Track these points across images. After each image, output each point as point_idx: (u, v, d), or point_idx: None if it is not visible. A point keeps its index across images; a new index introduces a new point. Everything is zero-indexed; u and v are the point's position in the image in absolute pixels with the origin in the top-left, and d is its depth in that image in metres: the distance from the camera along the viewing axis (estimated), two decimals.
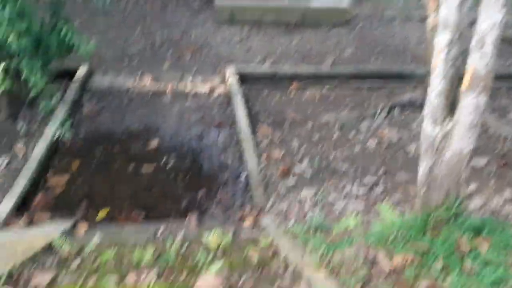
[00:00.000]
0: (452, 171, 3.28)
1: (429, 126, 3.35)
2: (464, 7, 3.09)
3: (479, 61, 2.97)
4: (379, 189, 5.00)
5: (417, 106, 7.14)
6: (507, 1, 2.84)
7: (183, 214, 4.89)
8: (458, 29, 3.12)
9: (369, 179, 5.20)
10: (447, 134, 3.21)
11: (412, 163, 5.69)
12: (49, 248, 3.79)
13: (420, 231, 3.20)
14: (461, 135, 3.14)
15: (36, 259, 3.42)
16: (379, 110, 7.06)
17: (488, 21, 2.87)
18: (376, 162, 5.71)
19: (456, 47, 3.17)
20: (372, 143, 6.16)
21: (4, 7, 5.00)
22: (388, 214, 3.71)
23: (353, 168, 5.52)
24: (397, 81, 8.15)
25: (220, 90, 7.72)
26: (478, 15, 2.97)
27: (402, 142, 6.23)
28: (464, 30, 3.18)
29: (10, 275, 2.94)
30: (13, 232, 4.16)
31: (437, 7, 3.74)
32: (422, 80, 6.93)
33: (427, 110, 3.40)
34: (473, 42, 3.00)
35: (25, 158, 5.50)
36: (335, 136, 6.36)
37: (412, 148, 6.04)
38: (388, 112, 7.09)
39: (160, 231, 4.49)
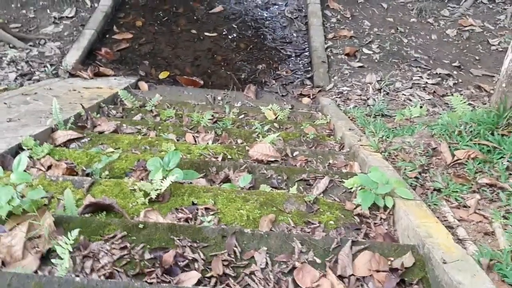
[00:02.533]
0: None
1: None
2: None
3: None
4: (450, 82, 4.68)
5: None
6: None
7: (243, 84, 4.87)
8: None
9: (441, 70, 4.85)
10: None
11: (492, 58, 5.24)
12: (113, 100, 3.94)
13: (490, 128, 2.99)
14: None
15: (101, 108, 3.57)
16: None
17: None
18: (452, 53, 5.28)
19: None
20: (451, 32, 5.64)
21: None
22: (459, 106, 3.48)
23: (426, 56, 5.14)
24: None
25: None
26: None
27: (485, 34, 5.66)
28: None
29: (77, 118, 3.09)
30: (80, 81, 4.32)
31: None
32: None
33: None
34: None
35: (92, 9, 5.50)
36: (411, 20, 5.85)
37: (495, 41, 5.50)
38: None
39: (219, 98, 4.53)
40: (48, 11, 5.38)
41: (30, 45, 4.78)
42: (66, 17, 5.33)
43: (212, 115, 3.66)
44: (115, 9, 5.72)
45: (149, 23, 5.64)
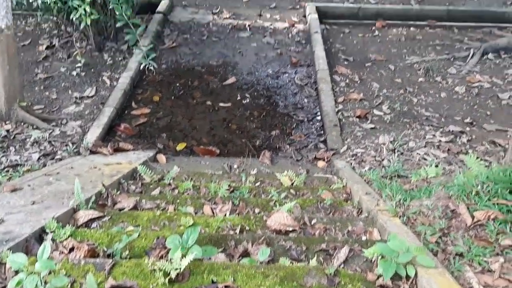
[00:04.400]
0: None
1: None
2: None
3: None
4: (464, 139, 4.70)
5: None
6: None
7: (258, 151, 4.96)
8: None
9: (453, 127, 4.89)
10: None
11: (503, 113, 5.27)
12: (132, 175, 4.03)
13: (508, 187, 2.97)
14: None
15: (121, 185, 3.66)
16: (471, 54, 6.51)
17: None
18: (463, 110, 5.34)
19: None
20: (460, 89, 5.74)
21: None
22: (474, 165, 3.48)
23: (437, 114, 5.21)
24: (494, 23, 7.43)
25: (299, 26, 7.48)
26: None
27: (494, 90, 5.74)
28: None
29: (98, 197, 3.17)
30: (101, 158, 4.45)
31: None
32: None
33: None
34: None
35: (111, 88, 5.77)
36: (419, 79, 5.99)
37: (505, 96, 5.56)
38: (481, 56, 6.51)
39: (235, 166, 4.60)
40: (70, 91, 5.67)
41: (53, 125, 4.99)
42: (87, 96, 5.60)
43: (229, 185, 3.71)
44: (133, 86, 5.99)
45: (166, 97, 5.88)
